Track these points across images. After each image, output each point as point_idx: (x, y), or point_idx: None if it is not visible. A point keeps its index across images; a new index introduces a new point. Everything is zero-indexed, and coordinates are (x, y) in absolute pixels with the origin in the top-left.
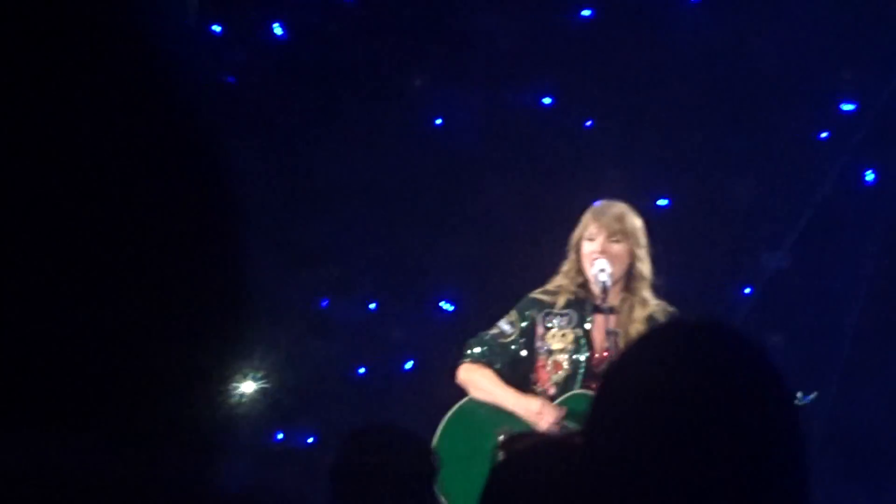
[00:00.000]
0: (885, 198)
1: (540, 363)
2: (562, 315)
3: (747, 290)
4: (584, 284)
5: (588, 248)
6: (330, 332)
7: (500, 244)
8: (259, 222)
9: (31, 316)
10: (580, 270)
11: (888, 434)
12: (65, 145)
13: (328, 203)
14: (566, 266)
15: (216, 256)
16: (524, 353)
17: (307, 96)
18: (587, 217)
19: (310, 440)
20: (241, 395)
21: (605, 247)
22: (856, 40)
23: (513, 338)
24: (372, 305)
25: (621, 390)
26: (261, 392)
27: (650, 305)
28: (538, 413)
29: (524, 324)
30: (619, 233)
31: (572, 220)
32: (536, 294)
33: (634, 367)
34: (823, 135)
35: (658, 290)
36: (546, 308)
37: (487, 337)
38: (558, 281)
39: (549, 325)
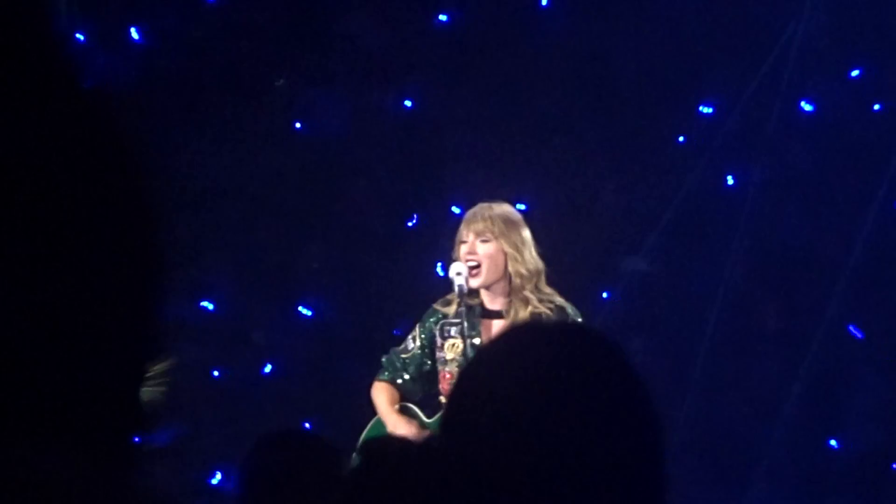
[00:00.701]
0: (744, 201)
1: (442, 374)
2: (454, 324)
3: (605, 294)
4: (476, 290)
5: (462, 251)
6: (186, 334)
7: (361, 249)
8: (121, 224)
9: None
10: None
11: (747, 436)
12: None
13: (190, 205)
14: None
15: (78, 260)
16: (427, 365)
17: (169, 99)
18: (463, 222)
19: (166, 441)
20: (93, 398)
21: (473, 248)
22: (715, 43)
23: (413, 353)
24: (229, 309)
25: (473, 390)
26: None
27: (533, 305)
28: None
29: (424, 336)
30: (487, 231)
31: (434, 224)
32: (436, 304)
33: (486, 365)
34: (681, 138)
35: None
36: (442, 319)
37: (393, 354)
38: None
39: (445, 335)
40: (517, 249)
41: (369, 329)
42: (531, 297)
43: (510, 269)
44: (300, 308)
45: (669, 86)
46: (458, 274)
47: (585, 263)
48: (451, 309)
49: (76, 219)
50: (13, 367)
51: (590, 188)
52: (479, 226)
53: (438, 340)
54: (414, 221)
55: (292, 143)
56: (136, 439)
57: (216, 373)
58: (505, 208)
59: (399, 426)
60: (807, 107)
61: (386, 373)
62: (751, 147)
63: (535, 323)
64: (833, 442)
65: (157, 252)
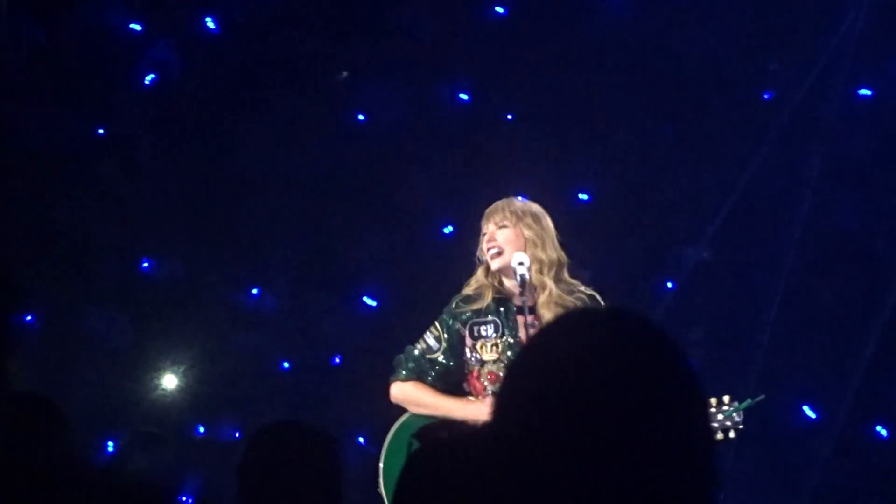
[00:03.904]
0: (803, 188)
1: (473, 374)
2: (486, 324)
3: (669, 284)
4: (501, 284)
5: (484, 244)
6: (253, 326)
7: (423, 239)
8: (183, 216)
9: None
10: (492, 273)
11: (803, 426)
12: None
13: (254, 196)
14: (479, 272)
15: (136, 250)
16: (452, 364)
17: (231, 90)
18: (483, 217)
19: (235, 434)
20: (164, 390)
21: (492, 236)
22: (776, 31)
23: (439, 353)
24: (296, 301)
25: (523, 379)
26: (183, 386)
27: (560, 295)
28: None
29: (448, 336)
30: (504, 220)
31: None
32: (458, 301)
33: (538, 354)
34: (743, 126)
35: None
36: (471, 318)
37: (416, 353)
38: (475, 284)
39: (476, 335)
40: (537, 235)
41: (431, 319)
42: (553, 285)
43: (528, 253)
44: (365, 298)
45: (730, 75)
46: (521, 264)
47: (647, 253)
48: (482, 304)
49: (123, 207)
50: None
51: (651, 178)
52: (497, 216)
53: (468, 340)
54: (454, 229)
55: (353, 135)
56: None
57: (286, 364)
58: (523, 202)
59: (480, 406)
60: (865, 93)
61: (404, 371)
62: (810, 135)
63: (583, 311)
64: (882, 430)
65: None
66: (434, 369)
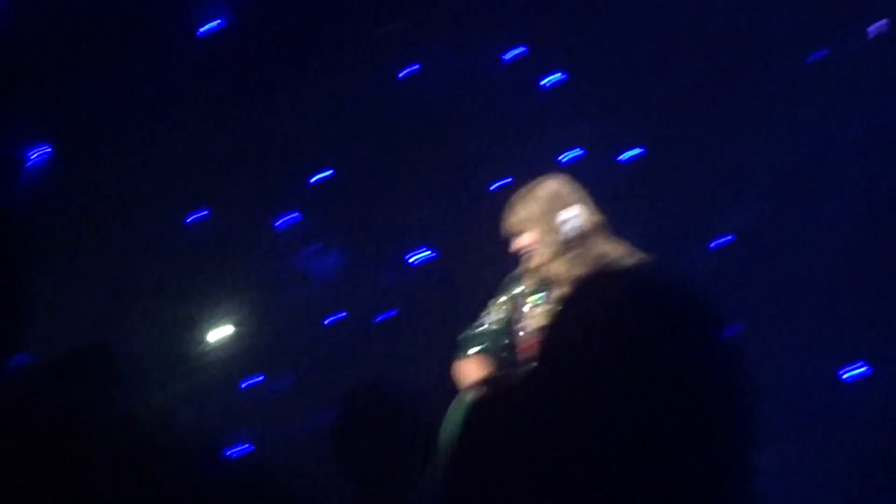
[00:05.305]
0: (858, 150)
1: (527, 344)
2: (536, 293)
3: (721, 241)
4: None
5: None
6: (305, 280)
7: (471, 201)
8: (232, 172)
9: None
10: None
11: (860, 388)
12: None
13: (302, 153)
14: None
15: (187, 205)
16: (506, 340)
17: (279, 49)
18: None
19: (285, 387)
20: (211, 344)
21: (515, 244)
22: None
23: (498, 327)
24: (348, 254)
25: (563, 328)
26: (237, 340)
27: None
28: None
29: (504, 312)
30: (516, 227)
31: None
32: (509, 280)
33: (580, 302)
34: (792, 86)
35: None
36: (519, 293)
37: (477, 331)
38: (539, 263)
39: (526, 307)
40: (550, 227)
41: (478, 283)
42: (588, 253)
43: (553, 240)
44: (410, 260)
45: (780, 34)
46: (564, 221)
47: (698, 211)
48: (525, 283)
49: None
50: None
51: (703, 136)
52: (509, 226)
53: (517, 314)
54: (511, 180)
55: (399, 91)
56: None
57: (331, 319)
58: (529, 193)
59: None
60: None
61: (467, 349)
62: (862, 95)
63: (626, 266)
64: None
65: None
66: (495, 344)
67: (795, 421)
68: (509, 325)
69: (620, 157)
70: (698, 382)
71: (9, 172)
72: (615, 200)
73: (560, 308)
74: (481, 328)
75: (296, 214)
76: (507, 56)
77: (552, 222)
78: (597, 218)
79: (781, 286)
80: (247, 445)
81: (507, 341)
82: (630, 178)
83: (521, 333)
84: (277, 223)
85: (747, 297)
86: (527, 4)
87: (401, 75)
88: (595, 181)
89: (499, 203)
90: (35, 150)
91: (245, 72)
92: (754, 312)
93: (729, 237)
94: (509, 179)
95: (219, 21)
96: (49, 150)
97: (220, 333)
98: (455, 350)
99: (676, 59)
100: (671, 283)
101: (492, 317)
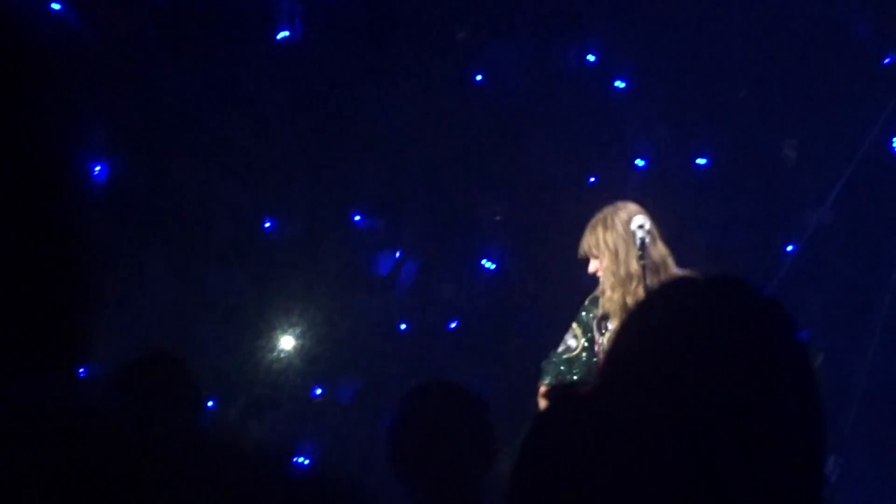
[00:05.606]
0: None
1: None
2: (613, 319)
3: (790, 248)
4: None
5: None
6: (371, 288)
7: (543, 202)
8: (306, 176)
9: None
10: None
11: None
12: None
13: (376, 158)
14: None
15: (259, 209)
16: (594, 361)
17: (354, 50)
18: None
19: (350, 397)
20: (282, 351)
21: (591, 267)
22: None
23: (578, 351)
24: (413, 262)
25: (630, 343)
26: (301, 347)
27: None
28: None
29: (585, 337)
30: (587, 254)
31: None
32: (588, 302)
33: (644, 317)
34: (867, 89)
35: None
36: (599, 316)
37: (557, 357)
38: (602, 288)
39: (603, 330)
40: (617, 259)
41: (550, 283)
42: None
43: (620, 269)
44: (483, 262)
45: (851, 39)
46: (640, 227)
47: (767, 217)
48: (602, 305)
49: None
50: None
51: (772, 142)
52: (582, 252)
53: (597, 336)
54: (594, 179)
55: (474, 95)
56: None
57: (403, 326)
58: (604, 219)
59: None
60: None
61: (549, 376)
62: None
63: (687, 278)
64: None
65: None
66: (576, 368)
67: (864, 429)
68: (589, 348)
69: (697, 161)
70: (805, 387)
71: (83, 175)
72: (690, 203)
73: (626, 324)
74: (558, 354)
75: (371, 220)
76: (587, 59)
77: (619, 255)
78: (664, 251)
79: (852, 290)
80: (309, 459)
81: (592, 362)
82: (705, 182)
83: (596, 359)
84: (354, 218)
85: (820, 301)
86: (600, 12)
87: (478, 79)
88: (670, 184)
89: (576, 211)
90: (109, 155)
91: (322, 77)
92: (824, 318)
93: (801, 242)
94: (593, 179)
95: (295, 29)
96: (122, 154)
97: (285, 342)
98: (538, 372)
99: (753, 62)
100: (746, 293)
101: (570, 342)
